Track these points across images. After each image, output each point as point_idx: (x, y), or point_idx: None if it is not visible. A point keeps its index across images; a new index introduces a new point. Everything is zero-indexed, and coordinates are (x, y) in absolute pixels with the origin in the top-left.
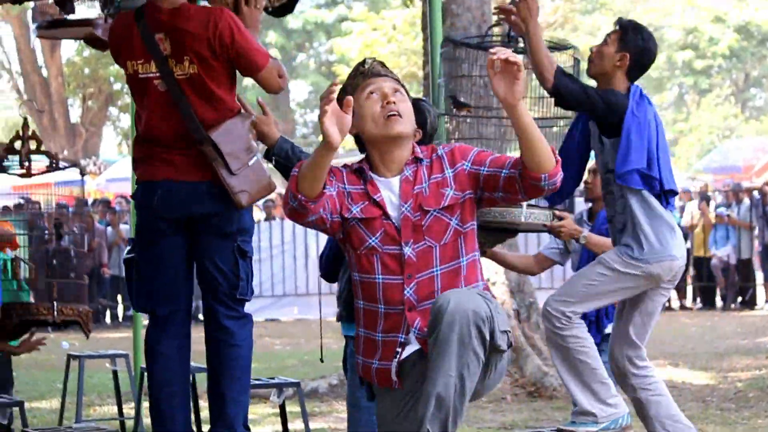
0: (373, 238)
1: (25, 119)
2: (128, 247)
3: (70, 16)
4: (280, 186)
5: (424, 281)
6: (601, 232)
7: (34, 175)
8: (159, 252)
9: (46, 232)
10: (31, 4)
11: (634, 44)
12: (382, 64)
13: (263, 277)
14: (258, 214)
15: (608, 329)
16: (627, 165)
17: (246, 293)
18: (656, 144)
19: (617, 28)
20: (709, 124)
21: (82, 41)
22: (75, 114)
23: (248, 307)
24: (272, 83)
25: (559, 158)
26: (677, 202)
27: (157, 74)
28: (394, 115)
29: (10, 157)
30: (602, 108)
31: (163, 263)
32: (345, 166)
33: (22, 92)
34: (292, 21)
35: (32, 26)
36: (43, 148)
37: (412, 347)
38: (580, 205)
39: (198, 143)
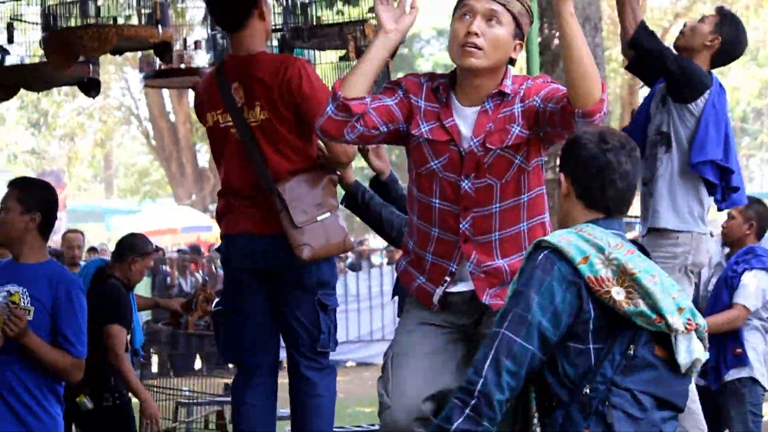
0: (436, 162)
1: (205, 282)
2: (216, 299)
3: (178, 65)
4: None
5: (481, 217)
6: (728, 275)
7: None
8: (243, 304)
9: (169, 277)
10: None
11: (729, 32)
12: None
13: (386, 320)
14: (379, 257)
15: (728, 376)
16: (703, 155)
17: (327, 345)
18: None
19: (717, 13)
20: None
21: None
22: (203, 159)
23: (371, 351)
24: (334, 145)
25: (604, 95)
26: None
27: (233, 123)
28: (470, 47)
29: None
30: (675, 69)
31: (248, 315)
32: (429, 77)
33: (151, 138)
34: (423, 63)
35: (140, 76)
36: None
37: (465, 285)
38: None
39: (268, 192)
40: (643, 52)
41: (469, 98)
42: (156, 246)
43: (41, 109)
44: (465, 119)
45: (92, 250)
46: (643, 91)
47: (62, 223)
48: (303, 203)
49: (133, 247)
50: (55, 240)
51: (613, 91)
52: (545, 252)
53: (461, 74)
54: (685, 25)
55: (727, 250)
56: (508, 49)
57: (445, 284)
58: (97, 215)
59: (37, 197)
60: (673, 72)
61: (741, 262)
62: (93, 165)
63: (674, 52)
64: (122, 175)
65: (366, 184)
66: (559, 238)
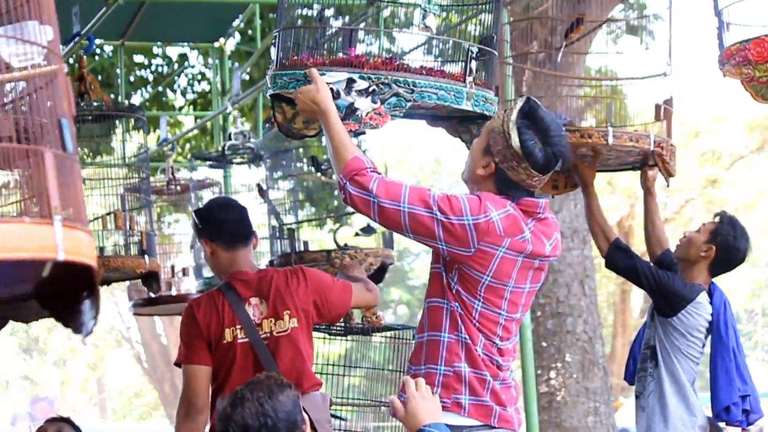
0: None
1: None
2: None
3: (166, 293)
4: None
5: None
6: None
7: None
8: None
9: None
10: None
11: (725, 239)
12: None
13: None
14: None
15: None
16: (719, 405)
17: None
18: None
19: (715, 219)
20: None
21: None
22: None
23: None
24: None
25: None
26: None
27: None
28: None
29: None
30: (653, 289)
31: None
32: None
33: (143, 360)
34: (416, 278)
35: (129, 304)
36: None
37: None
38: None
39: None
40: (618, 271)
41: None
42: None
43: (32, 335)
44: None
45: None
46: (636, 296)
47: None
48: (321, 418)
49: None
50: None
51: (606, 299)
52: None
53: None
54: (684, 235)
55: None
56: (475, 162)
57: None
58: None
59: None
60: (650, 290)
61: None
62: (85, 388)
63: (650, 266)
64: (115, 397)
65: None
66: None
